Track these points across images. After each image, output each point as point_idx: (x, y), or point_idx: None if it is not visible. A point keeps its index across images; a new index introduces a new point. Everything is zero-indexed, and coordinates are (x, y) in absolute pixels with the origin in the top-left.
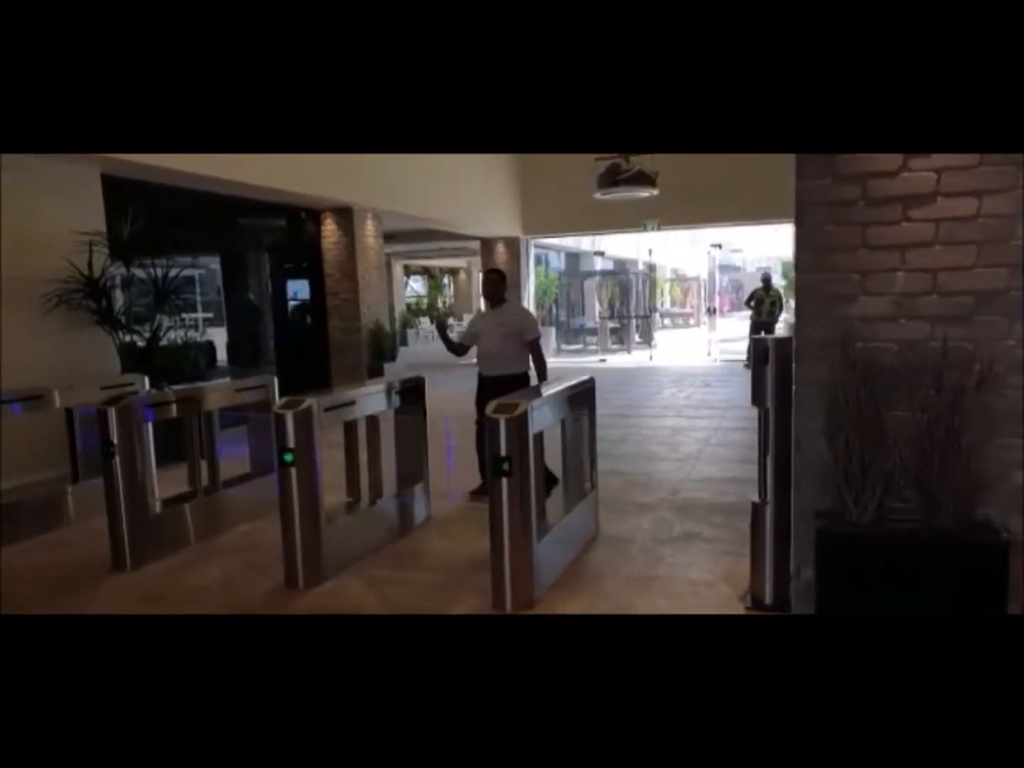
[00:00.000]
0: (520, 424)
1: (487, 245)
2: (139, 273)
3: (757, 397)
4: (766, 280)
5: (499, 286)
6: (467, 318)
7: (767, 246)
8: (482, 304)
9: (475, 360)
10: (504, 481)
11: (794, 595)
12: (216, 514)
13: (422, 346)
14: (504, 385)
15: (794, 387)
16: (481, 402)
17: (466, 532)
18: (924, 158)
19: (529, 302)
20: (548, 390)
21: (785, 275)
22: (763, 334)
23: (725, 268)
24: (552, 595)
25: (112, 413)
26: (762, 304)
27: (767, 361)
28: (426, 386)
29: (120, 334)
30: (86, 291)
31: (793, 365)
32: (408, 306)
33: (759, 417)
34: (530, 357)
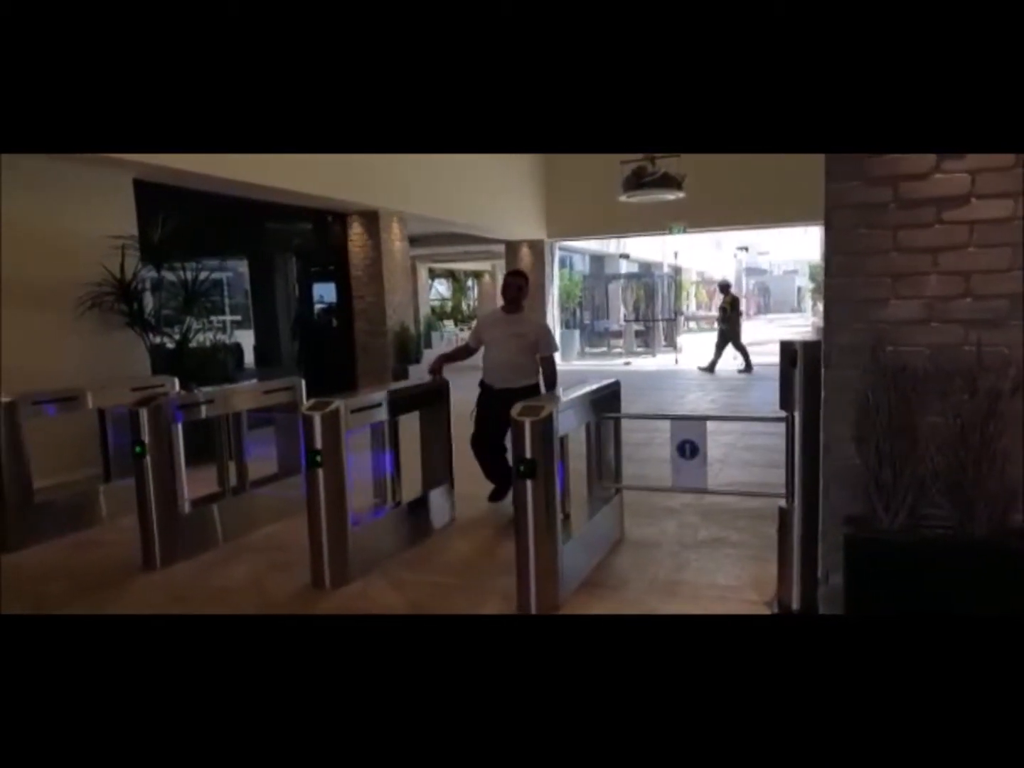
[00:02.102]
0: (545, 427)
1: (511, 248)
2: (169, 276)
3: (785, 401)
4: (723, 287)
5: (524, 291)
6: None
7: (794, 249)
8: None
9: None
10: (529, 484)
11: (822, 601)
12: (244, 514)
13: (446, 349)
14: (516, 398)
15: (823, 391)
16: (486, 414)
17: (490, 535)
18: (958, 160)
19: (553, 305)
20: (573, 393)
21: (813, 278)
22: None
23: (751, 271)
24: (577, 599)
25: (143, 414)
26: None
27: (795, 364)
28: (450, 389)
29: (150, 336)
30: (118, 294)
31: (822, 369)
32: (432, 309)
33: (786, 421)
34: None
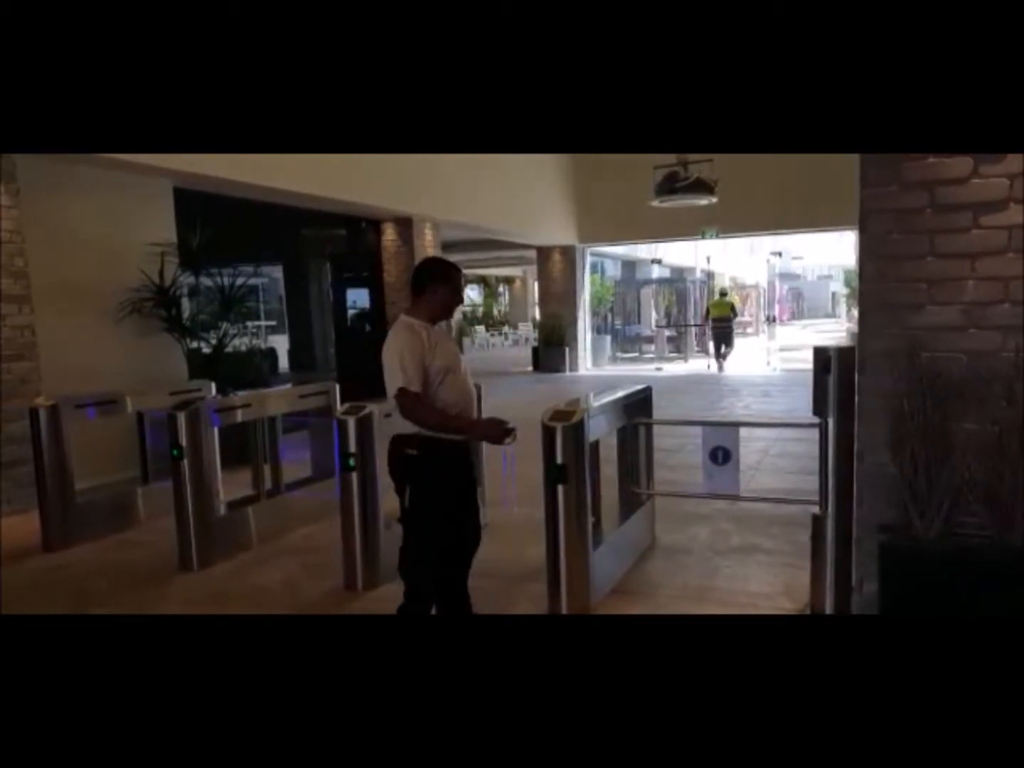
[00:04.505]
0: (576, 432)
1: (543, 253)
2: (206, 282)
3: (819, 407)
4: (721, 293)
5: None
6: (522, 327)
7: (828, 254)
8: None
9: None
10: (560, 489)
11: (856, 609)
12: (278, 517)
13: (477, 354)
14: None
15: (857, 398)
16: (467, 500)
17: (521, 540)
18: (996, 164)
19: (585, 310)
20: (604, 398)
21: (847, 283)
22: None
23: (785, 276)
24: (607, 604)
25: (181, 418)
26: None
27: (829, 370)
28: (483, 392)
29: (188, 341)
30: (157, 299)
31: (856, 375)
32: (464, 314)
33: (820, 428)
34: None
